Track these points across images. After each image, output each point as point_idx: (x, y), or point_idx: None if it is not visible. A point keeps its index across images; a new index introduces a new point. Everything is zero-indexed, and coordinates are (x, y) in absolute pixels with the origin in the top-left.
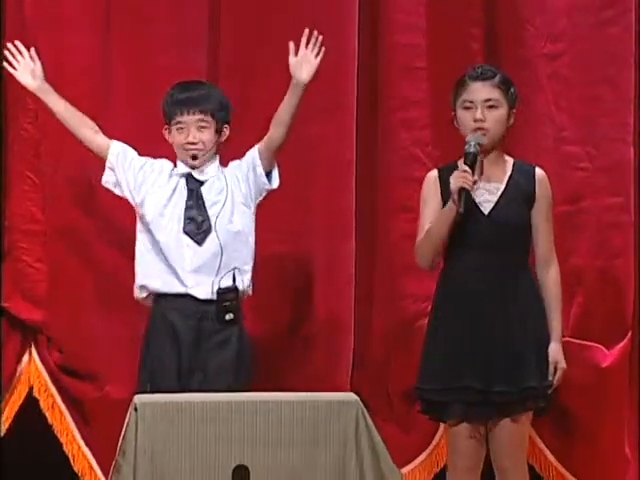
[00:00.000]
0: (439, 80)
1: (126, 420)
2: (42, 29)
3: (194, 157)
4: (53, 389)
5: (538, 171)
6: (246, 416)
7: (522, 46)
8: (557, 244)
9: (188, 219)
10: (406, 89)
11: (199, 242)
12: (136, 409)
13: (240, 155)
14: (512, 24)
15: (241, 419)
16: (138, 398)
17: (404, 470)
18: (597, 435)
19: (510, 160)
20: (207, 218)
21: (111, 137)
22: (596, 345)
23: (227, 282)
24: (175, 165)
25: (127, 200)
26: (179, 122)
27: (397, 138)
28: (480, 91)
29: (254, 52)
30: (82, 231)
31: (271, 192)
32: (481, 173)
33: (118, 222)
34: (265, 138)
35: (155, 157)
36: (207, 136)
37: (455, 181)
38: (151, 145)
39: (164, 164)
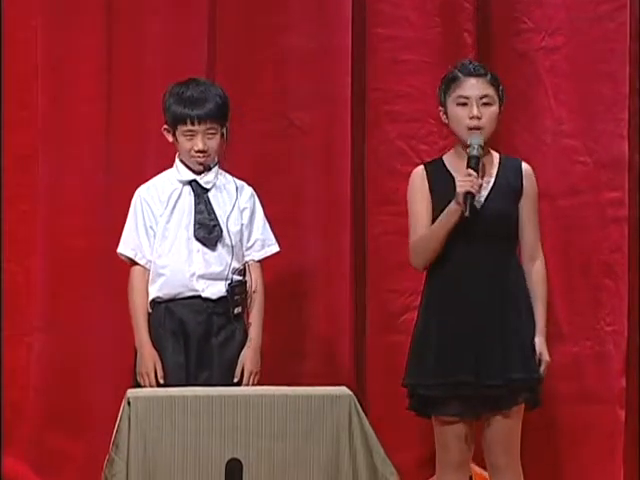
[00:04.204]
0: (429, 73)
1: (119, 414)
2: (41, 28)
3: (203, 165)
4: None
5: (524, 165)
6: (239, 410)
7: (519, 40)
8: (559, 238)
9: (198, 224)
10: (392, 82)
11: (211, 247)
12: (129, 403)
13: (239, 152)
14: (507, 17)
15: (234, 413)
16: (131, 392)
17: None
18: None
19: (496, 155)
20: (217, 222)
21: (111, 136)
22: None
23: (238, 276)
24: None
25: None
26: (189, 130)
27: (382, 131)
28: (476, 87)
29: (253, 49)
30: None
31: (265, 187)
32: (483, 174)
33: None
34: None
35: (154, 154)
36: (215, 143)
37: (461, 185)
38: (151, 143)
39: (158, 186)
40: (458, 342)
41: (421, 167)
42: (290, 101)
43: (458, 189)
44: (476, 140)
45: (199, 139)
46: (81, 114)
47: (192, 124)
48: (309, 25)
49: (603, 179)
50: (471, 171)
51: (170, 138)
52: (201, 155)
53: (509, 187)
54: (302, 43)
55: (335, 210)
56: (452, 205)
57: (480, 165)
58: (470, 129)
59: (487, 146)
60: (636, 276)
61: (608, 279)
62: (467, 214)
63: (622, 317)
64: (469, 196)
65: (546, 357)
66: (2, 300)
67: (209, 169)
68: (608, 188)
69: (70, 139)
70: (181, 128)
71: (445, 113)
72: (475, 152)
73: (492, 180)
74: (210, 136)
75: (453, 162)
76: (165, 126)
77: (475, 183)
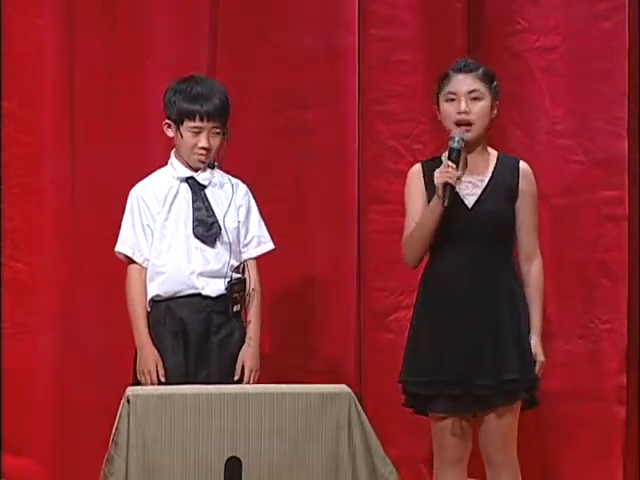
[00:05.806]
0: (422, 73)
1: (119, 412)
2: (43, 27)
3: (203, 163)
4: None
5: (522, 164)
6: (239, 408)
7: (514, 39)
8: (553, 237)
9: (196, 221)
10: (385, 82)
11: (210, 244)
12: (128, 401)
13: (236, 149)
14: (502, 17)
15: (234, 411)
16: (130, 390)
17: None
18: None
19: (494, 153)
20: (216, 219)
21: (110, 132)
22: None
23: (237, 274)
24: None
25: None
26: (196, 127)
27: (375, 130)
28: (463, 83)
29: (253, 45)
30: None
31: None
32: (465, 167)
33: None
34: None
35: (151, 152)
36: (218, 141)
37: (439, 176)
38: (150, 141)
39: (154, 184)
40: (449, 341)
41: (418, 165)
42: (295, 99)
43: (436, 180)
44: (458, 134)
45: (204, 136)
46: (82, 112)
47: (201, 120)
48: (313, 23)
49: (599, 178)
50: (450, 162)
51: (171, 133)
52: (204, 152)
53: (504, 186)
54: (307, 41)
55: (342, 208)
56: (434, 198)
57: (462, 158)
58: (458, 124)
59: (481, 143)
60: (636, 275)
61: (604, 278)
62: (445, 204)
63: (619, 315)
64: (448, 187)
65: (541, 357)
66: (2, 298)
67: (212, 167)
68: (604, 187)
69: (71, 138)
70: (188, 124)
71: (439, 111)
72: (456, 145)
73: (486, 179)
74: (214, 135)
75: None
76: (167, 121)
77: (453, 175)
